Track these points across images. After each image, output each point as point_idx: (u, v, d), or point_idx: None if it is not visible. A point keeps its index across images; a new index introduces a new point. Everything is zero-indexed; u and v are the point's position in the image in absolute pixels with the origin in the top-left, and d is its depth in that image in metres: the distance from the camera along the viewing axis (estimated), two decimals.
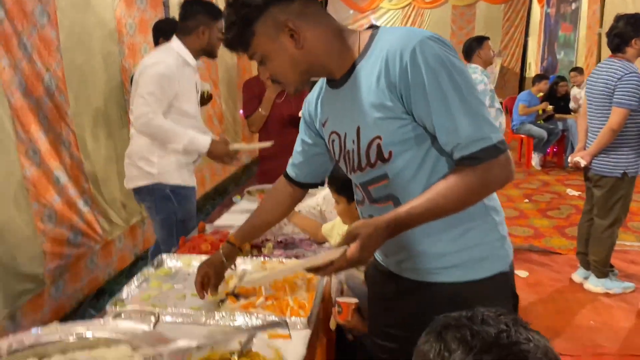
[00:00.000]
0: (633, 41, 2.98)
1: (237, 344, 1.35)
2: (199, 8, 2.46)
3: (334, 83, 1.26)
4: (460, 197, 1.11)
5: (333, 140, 1.32)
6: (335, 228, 1.98)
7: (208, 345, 1.34)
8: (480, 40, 3.98)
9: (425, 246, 1.21)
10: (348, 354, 1.84)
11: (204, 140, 2.47)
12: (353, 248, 1.10)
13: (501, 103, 6.15)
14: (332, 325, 1.66)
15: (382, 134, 1.16)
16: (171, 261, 1.93)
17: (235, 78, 5.91)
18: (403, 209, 1.13)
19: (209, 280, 1.52)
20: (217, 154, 2.51)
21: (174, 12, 3.87)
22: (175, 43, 2.47)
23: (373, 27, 1.23)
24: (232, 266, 1.63)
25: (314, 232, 2.10)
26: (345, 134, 1.25)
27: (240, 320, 1.46)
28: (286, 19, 1.15)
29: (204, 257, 1.92)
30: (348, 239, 1.12)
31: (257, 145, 3.00)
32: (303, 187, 1.55)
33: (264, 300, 1.57)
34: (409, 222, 1.13)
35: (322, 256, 1.15)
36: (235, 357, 1.31)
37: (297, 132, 1.51)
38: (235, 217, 2.52)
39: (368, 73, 1.17)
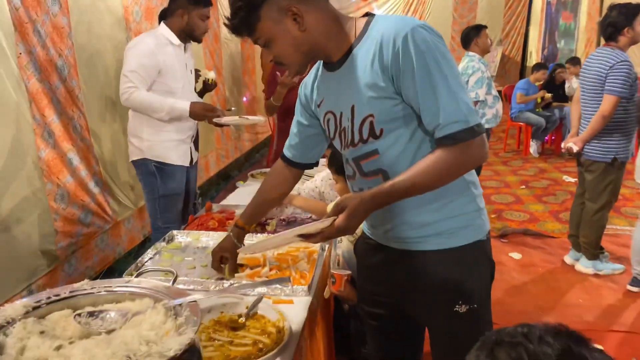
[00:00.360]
0: (625, 30, 3.08)
1: (244, 307, 1.49)
2: None
3: (331, 66, 1.35)
4: (439, 174, 1.22)
5: (328, 120, 1.41)
6: None
7: (218, 309, 1.48)
8: (478, 29, 4.07)
9: (410, 216, 1.31)
10: (344, 322, 1.96)
11: (183, 104, 2.66)
12: (341, 218, 1.21)
13: (500, 92, 6.22)
14: (326, 294, 1.78)
15: (374, 112, 1.26)
16: (181, 237, 2.06)
17: (239, 65, 6.00)
18: (388, 183, 1.23)
19: (226, 263, 1.65)
20: (198, 112, 2.69)
21: None
22: (160, 26, 2.72)
23: (369, 15, 1.32)
24: None
25: (320, 212, 2.21)
26: (341, 113, 1.35)
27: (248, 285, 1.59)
28: (289, 4, 1.23)
29: (211, 233, 2.06)
30: (337, 210, 1.23)
31: (249, 119, 3.13)
32: (299, 168, 1.64)
33: (269, 270, 1.70)
34: (393, 196, 1.23)
35: (314, 225, 1.24)
36: (243, 319, 1.44)
37: None
38: (240, 197, 2.64)
39: (363, 56, 1.26)
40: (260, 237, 1.96)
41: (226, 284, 1.61)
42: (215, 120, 2.72)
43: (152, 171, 2.77)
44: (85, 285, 1.05)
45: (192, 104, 2.68)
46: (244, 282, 1.61)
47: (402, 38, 1.18)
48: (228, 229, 1.99)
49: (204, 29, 2.74)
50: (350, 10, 11.59)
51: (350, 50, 1.30)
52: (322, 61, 1.41)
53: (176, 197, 2.87)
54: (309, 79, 1.50)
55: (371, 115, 1.27)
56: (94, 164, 3.14)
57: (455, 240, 1.32)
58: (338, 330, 1.93)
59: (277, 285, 1.57)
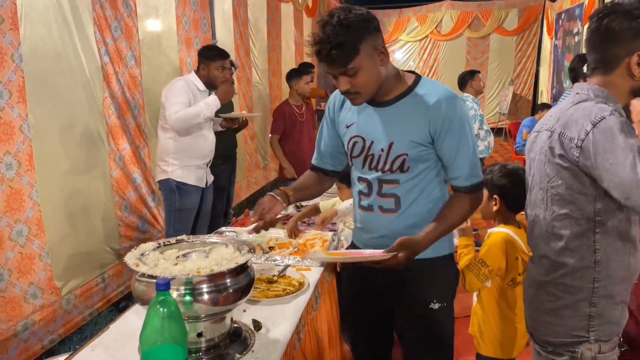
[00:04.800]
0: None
1: (276, 271, 2.15)
2: (202, 50, 3.43)
3: (375, 102, 1.63)
4: (462, 216, 1.67)
5: (355, 142, 1.69)
6: (335, 205, 2.74)
7: (259, 272, 2.14)
8: (472, 73, 4.76)
9: (403, 232, 1.62)
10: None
11: (211, 98, 3.25)
12: (404, 255, 1.53)
13: (503, 128, 6.74)
14: (338, 267, 2.42)
15: (409, 152, 1.60)
16: (228, 232, 2.74)
17: (267, 104, 6.80)
18: (432, 234, 1.59)
19: (265, 211, 1.80)
20: (222, 93, 3.28)
21: None
22: (191, 74, 3.42)
23: (415, 74, 1.66)
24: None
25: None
26: (373, 141, 1.64)
27: (278, 258, 2.26)
28: (380, 44, 1.53)
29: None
30: (399, 248, 1.53)
31: (250, 114, 4.04)
32: (323, 173, 1.92)
33: (292, 249, 2.37)
34: (435, 241, 1.61)
35: (380, 256, 1.56)
36: (276, 277, 2.09)
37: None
38: None
39: (413, 108, 1.59)
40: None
41: (262, 257, 2.28)
42: (223, 116, 3.41)
43: (172, 189, 3.35)
44: (184, 237, 1.73)
45: (217, 92, 3.26)
46: (275, 256, 2.28)
47: (450, 106, 1.56)
48: None
49: (222, 77, 3.36)
50: None
51: (399, 97, 1.61)
52: None
53: (189, 212, 3.43)
54: (336, 103, 1.78)
55: (405, 154, 1.61)
56: (152, 184, 3.88)
57: (433, 252, 1.66)
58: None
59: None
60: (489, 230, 2.17)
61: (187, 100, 3.20)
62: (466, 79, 4.79)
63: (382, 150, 1.63)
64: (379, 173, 1.65)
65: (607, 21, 1.36)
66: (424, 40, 12.59)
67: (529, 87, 12.67)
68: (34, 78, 2.78)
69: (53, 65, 2.95)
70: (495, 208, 2.14)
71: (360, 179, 1.72)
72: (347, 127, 1.73)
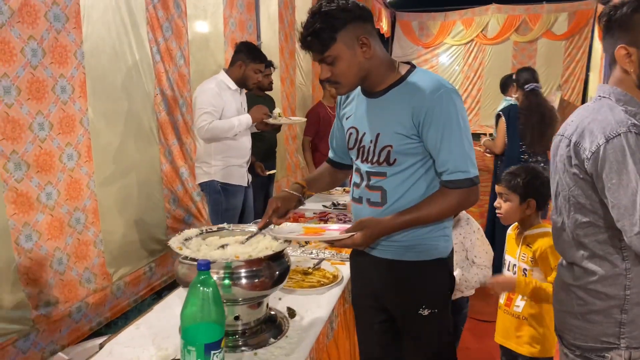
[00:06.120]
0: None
1: (312, 264, 2.23)
2: (243, 48, 3.26)
3: (368, 93, 1.62)
4: (441, 212, 1.56)
5: (351, 133, 1.69)
6: None
7: (295, 264, 2.24)
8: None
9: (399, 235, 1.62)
10: None
11: (244, 116, 3.21)
12: (359, 235, 1.54)
13: None
14: None
15: (394, 144, 1.56)
16: None
17: (309, 106, 6.89)
18: (398, 218, 1.53)
19: (278, 209, 1.73)
20: (255, 114, 3.24)
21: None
22: (221, 73, 3.27)
23: (410, 64, 1.61)
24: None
25: None
26: (364, 133, 1.63)
27: (314, 252, 2.35)
28: (362, 34, 1.50)
29: (287, 224, 2.83)
30: (357, 227, 1.54)
31: (292, 119, 3.99)
32: (339, 167, 1.91)
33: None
34: (400, 227, 1.56)
35: (336, 236, 1.60)
36: (311, 269, 2.18)
37: None
38: (307, 204, 3.43)
39: (399, 98, 1.55)
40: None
41: (299, 250, 2.36)
42: (265, 120, 3.28)
43: (218, 190, 3.28)
44: (225, 226, 1.84)
45: (251, 113, 3.22)
46: (311, 250, 2.37)
47: (435, 96, 1.49)
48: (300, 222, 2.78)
49: (256, 80, 3.27)
50: (412, 58, 12.41)
51: (389, 88, 1.58)
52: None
53: (236, 211, 3.41)
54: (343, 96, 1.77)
55: (390, 146, 1.57)
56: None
57: (423, 255, 1.63)
58: None
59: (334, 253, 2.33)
60: (530, 233, 2.10)
61: (219, 109, 3.14)
62: (507, 83, 4.77)
63: (371, 141, 1.61)
64: (369, 164, 1.63)
65: (605, 15, 1.36)
66: (470, 43, 12.42)
67: (577, 93, 12.27)
68: (93, 74, 2.98)
69: (110, 62, 3.15)
70: (529, 212, 2.11)
71: (356, 170, 1.72)
72: (347, 118, 1.74)
